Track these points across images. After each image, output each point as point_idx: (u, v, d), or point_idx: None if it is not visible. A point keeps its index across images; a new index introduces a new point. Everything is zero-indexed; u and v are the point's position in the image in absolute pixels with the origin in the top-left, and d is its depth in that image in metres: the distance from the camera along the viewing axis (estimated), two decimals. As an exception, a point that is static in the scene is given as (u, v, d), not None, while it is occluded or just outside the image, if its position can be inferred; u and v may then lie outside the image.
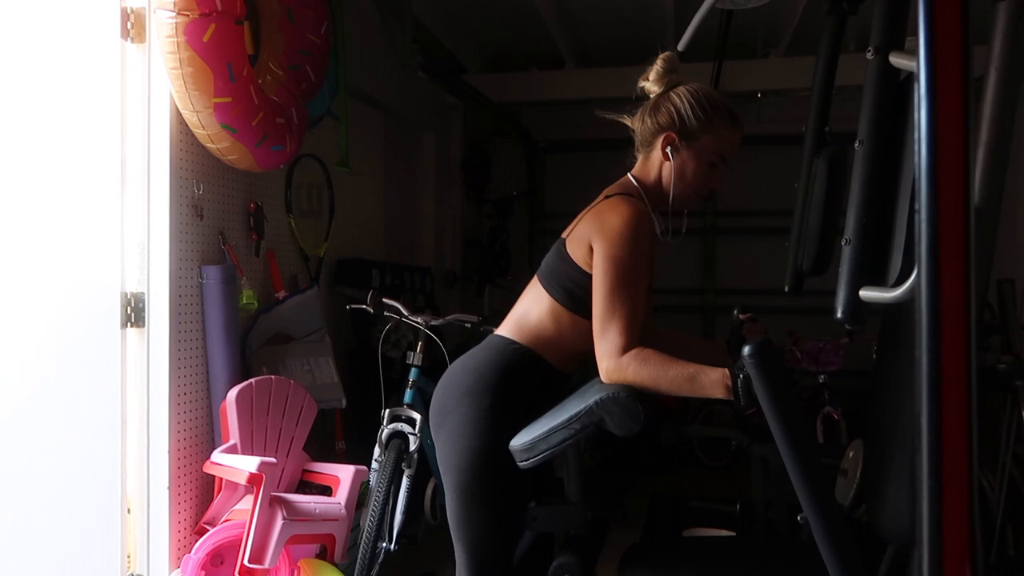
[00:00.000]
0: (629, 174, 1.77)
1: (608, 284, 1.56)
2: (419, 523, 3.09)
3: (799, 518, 1.26)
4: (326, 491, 2.50)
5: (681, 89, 1.70)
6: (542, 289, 1.72)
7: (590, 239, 1.62)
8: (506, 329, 1.75)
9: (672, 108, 1.68)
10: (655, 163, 1.73)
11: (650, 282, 1.68)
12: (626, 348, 1.52)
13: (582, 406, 1.48)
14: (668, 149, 1.69)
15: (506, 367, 1.67)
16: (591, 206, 1.71)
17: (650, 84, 1.74)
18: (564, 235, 1.74)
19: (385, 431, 2.76)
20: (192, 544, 2.26)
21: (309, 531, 2.29)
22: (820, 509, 1.19)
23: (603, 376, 1.55)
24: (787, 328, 4.05)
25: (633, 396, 1.46)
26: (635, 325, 1.55)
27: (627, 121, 1.78)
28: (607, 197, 1.69)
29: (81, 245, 2.27)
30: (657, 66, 1.72)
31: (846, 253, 1.19)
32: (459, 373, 1.72)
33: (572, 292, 1.66)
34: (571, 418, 1.48)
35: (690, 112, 1.67)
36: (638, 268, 1.58)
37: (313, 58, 2.64)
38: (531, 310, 1.73)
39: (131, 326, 2.26)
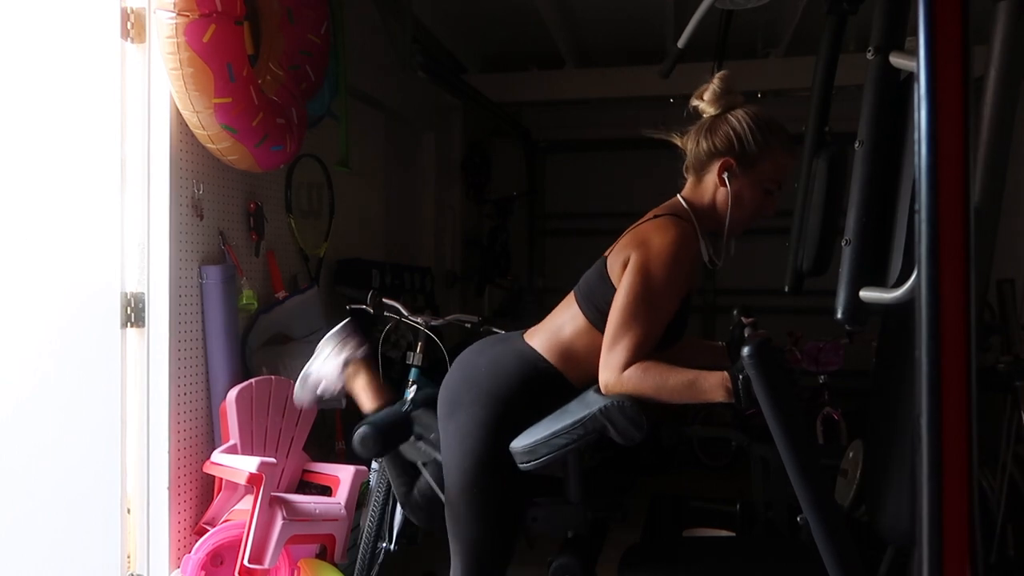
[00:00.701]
0: (679, 195, 1.71)
1: (631, 299, 1.53)
2: (419, 523, 3.09)
3: (799, 519, 1.26)
4: (326, 491, 2.50)
5: (740, 112, 1.63)
6: (578, 308, 1.68)
7: (628, 255, 1.57)
8: (538, 340, 1.70)
9: (731, 132, 1.61)
10: (709, 187, 1.66)
11: (688, 308, 1.65)
12: (630, 365, 1.50)
13: (585, 412, 1.47)
14: (725, 175, 1.62)
15: (528, 379, 1.65)
16: (636, 224, 1.67)
17: (705, 104, 1.66)
18: (606, 254, 1.68)
19: (385, 431, 2.75)
20: (192, 544, 2.26)
21: (309, 531, 2.29)
22: (819, 509, 1.19)
23: (602, 387, 1.53)
24: (787, 328, 4.04)
25: (637, 406, 1.45)
26: (646, 347, 1.52)
27: (676, 140, 1.71)
28: (655, 217, 1.65)
29: (81, 245, 2.27)
30: (713, 86, 1.64)
31: (846, 253, 1.19)
32: (481, 372, 1.69)
33: (606, 314, 1.59)
34: (574, 424, 1.48)
35: (750, 137, 1.60)
36: (668, 293, 1.54)
37: (313, 58, 2.64)
38: (565, 326, 1.68)
39: (131, 326, 2.26)
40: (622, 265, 1.58)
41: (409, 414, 1.98)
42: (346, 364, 2.13)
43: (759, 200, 1.65)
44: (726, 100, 1.64)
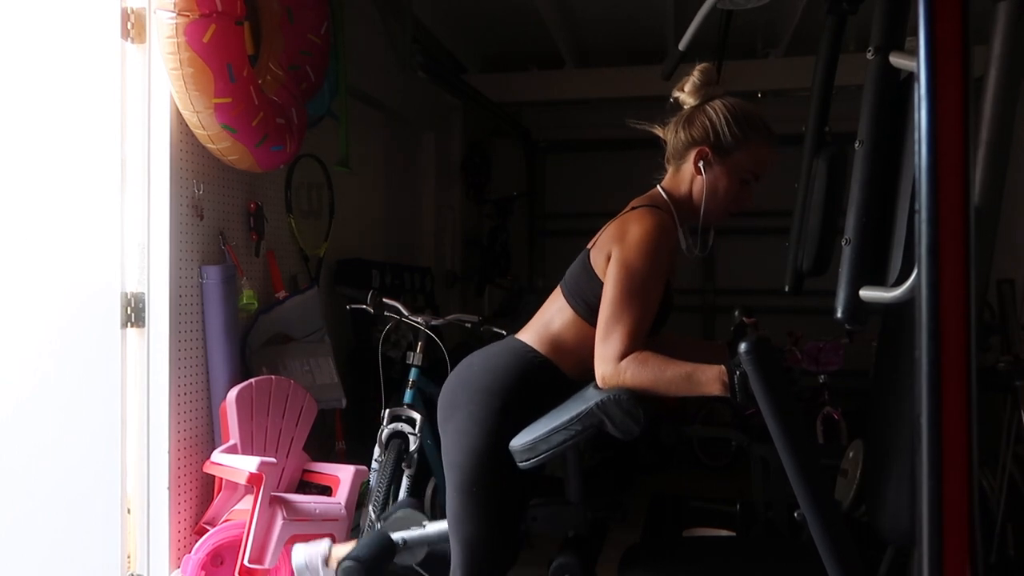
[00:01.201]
0: (658, 186, 1.74)
1: (619, 291, 1.55)
2: (419, 523, 3.09)
3: (796, 515, 1.26)
4: (326, 491, 2.50)
5: (717, 103, 1.65)
6: (565, 301, 1.70)
7: (610, 248, 1.60)
8: (528, 335, 1.73)
9: (707, 122, 1.64)
10: (686, 177, 1.69)
11: (670, 294, 1.66)
12: (625, 356, 1.51)
13: (583, 407, 1.48)
14: (700, 164, 1.64)
15: (522, 373, 1.66)
16: (616, 217, 1.69)
17: (685, 95, 1.68)
18: (589, 246, 1.71)
19: (385, 431, 2.76)
20: (192, 544, 2.26)
21: (309, 531, 2.29)
22: (817, 506, 1.19)
23: (599, 381, 1.54)
24: (787, 328, 4.04)
25: (634, 399, 1.46)
26: (639, 336, 1.53)
27: (658, 131, 1.74)
28: (633, 208, 1.67)
29: (81, 245, 2.27)
30: (693, 77, 1.67)
31: (846, 253, 1.19)
32: (476, 371, 1.70)
33: (593, 305, 1.62)
34: (571, 419, 1.48)
35: (726, 127, 1.62)
36: (652, 280, 1.56)
37: (313, 58, 2.64)
38: (554, 319, 1.71)
39: (131, 326, 2.26)
40: (605, 258, 1.61)
41: (384, 531, 2.05)
42: (326, 563, 2.18)
43: (735, 190, 1.67)
44: (705, 91, 1.67)
